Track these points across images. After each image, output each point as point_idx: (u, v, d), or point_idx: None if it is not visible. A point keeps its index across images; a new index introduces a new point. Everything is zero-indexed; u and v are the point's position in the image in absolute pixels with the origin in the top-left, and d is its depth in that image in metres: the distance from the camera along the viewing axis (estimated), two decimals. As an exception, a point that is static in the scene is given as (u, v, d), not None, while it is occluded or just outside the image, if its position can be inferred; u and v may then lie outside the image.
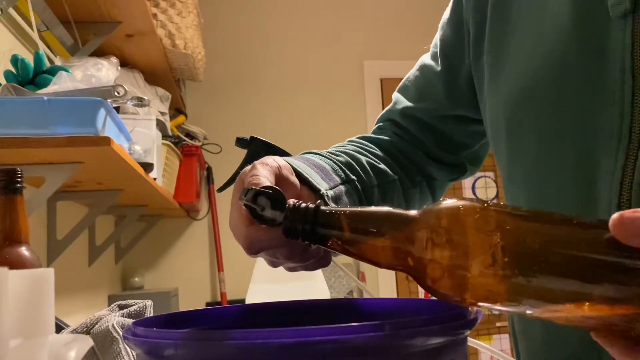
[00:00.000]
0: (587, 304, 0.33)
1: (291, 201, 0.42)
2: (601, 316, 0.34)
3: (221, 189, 0.62)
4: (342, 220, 0.40)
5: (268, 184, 0.47)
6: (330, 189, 0.58)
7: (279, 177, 0.51)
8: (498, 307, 0.35)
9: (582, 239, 0.34)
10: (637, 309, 0.32)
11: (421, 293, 2.85)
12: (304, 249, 0.49)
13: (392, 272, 2.88)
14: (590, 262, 0.33)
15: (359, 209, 0.40)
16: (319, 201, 0.42)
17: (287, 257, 0.48)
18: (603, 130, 0.52)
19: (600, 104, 0.52)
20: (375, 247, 0.39)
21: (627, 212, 0.32)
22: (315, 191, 0.55)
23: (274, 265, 0.53)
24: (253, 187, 0.44)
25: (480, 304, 0.35)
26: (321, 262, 0.51)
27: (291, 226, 0.41)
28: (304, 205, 0.42)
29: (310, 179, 0.55)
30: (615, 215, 0.32)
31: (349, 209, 0.41)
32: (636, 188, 0.49)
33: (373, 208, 0.40)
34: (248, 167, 0.50)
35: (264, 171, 0.49)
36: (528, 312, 0.35)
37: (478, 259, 0.34)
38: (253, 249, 0.47)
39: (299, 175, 0.54)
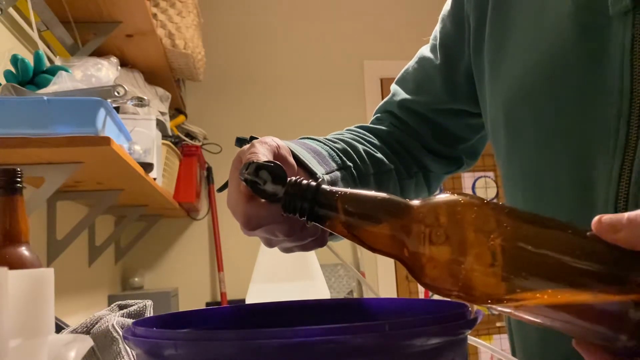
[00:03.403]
0: (573, 308, 0.33)
1: (293, 177, 0.42)
2: (584, 324, 0.34)
3: (221, 189, 0.62)
4: (342, 200, 0.40)
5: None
6: (327, 174, 0.58)
7: (277, 156, 0.51)
8: (482, 300, 0.35)
9: (575, 245, 0.34)
10: (618, 315, 0.32)
11: (421, 293, 2.85)
12: (302, 226, 0.49)
13: (392, 272, 2.88)
14: (579, 269, 0.33)
15: (360, 191, 0.40)
16: (320, 179, 0.42)
17: (285, 234, 0.48)
18: (601, 128, 0.51)
19: (599, 102, 0.52)
20: (372, 232, 0.39)
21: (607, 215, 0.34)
22: (311, 175, 0.55)
23: (270, 244, 0.52)
24: (255, 161, 0.44)
25: (468, 297, 0.35)
26: (318, 242, 0.52)
27: (291, 201, 0.41)
28: (305, 181, 0.42)
29: (307, 162, 0.55)
30: (596, 217, 0.34)
31: (350, 190, 0.40)
32: (634, 188, 0.49)
33: (374, 193, 0.40)
34: (246, 146, 0.50)
35: (263, 149, 0.49)
36: (515, 312, 0.35)
37: (471, 254, 0.34)
38: (251, 225, 0.46)
39: (296, 158, 0.54)
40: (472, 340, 0.44)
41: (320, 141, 0.65)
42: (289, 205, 0.42)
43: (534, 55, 0.58)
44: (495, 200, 0.37)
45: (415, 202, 0.38)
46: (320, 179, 0.47)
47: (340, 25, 3.05)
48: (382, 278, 2.87)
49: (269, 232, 0.49)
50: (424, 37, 0.80)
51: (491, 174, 3.10)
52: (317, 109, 2.92)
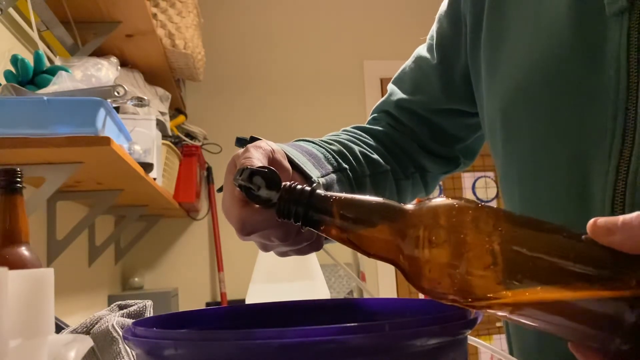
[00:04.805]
0: (569, 311, 0.33)
1: (287, 182, 0.42)
2: (579, 327, 0.34)
3: (221, 189, 0.62)
4: (337, 205, 0.39)
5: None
6: (322, 177, 0.58)
7: (272, 160, 0.50)
8: (477, 303, 0.35)
9: (570, 248, 0.34)
10: (613, 319, 0.32)
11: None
12: (298, 231, 0.48)
13: (392, 272, 2.88)
14: (574, 272, 0.33)
15: (355, 196, 0.40)
16: (315, 184, 0.42)
17: (281, 238, 0.48)
18: (597, 129, 0.51)
19: (595, 102, 0.52)
20: (367, 237, 0.39)
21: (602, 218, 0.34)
22: (307, 178, 0.55)
23: (266, 249, 0.52)
24: (249, 167, 0.44)
25: (463, 300, 0.35)
26: (313, 246, 0.51)
27: (285, 207, 0.41)
28: (299, 187, 0.41)
29: (302, 165, 0.55)
30: (591, 220, 0.34)
31: (344, 195, 0.40)
32: (630, 188, 0.49)
33: (369, 197, 0.40)
34: (241, 150, 0.50)
35: (257, 154, 0.48)
36: (510, 316, 0.35)
37: (466, 258, 0.34)
38: (246, 230, 0.46)
39: (291, 161, 0.54)
40: (472, 340, 0.44)
41: (315, 143, 0.65)
42: (283, 211, 0.42)
43: (531, 55, 0.58)
44: (494, 201, 0.37)
45: (410, 207, 0.38)
46: (314, 184, 0.46)
47: (340, 25, 3.05)
48: (382, 278, 2.87)
49: (264, 237, 0.49)
50: (424, 37, 0.80)
51: (491, 174, 3.10)
52: (317, 109, 2.92)
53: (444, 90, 0.74)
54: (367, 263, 2.84)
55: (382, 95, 0.82)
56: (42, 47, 1.31)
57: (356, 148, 0.68)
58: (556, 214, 0.56)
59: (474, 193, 3.10)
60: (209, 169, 2.76)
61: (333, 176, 0.61)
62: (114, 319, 0.62)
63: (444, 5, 0.75)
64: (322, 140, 0.67)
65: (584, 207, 0.52)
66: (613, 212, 0.50)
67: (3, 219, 0.62)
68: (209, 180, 2.77)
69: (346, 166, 0.64)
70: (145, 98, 1.16)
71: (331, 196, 0.40)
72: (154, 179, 1.58)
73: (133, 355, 0.59)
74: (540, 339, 0.59)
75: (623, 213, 0.48)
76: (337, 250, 0.59)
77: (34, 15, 1.34)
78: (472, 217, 0.35)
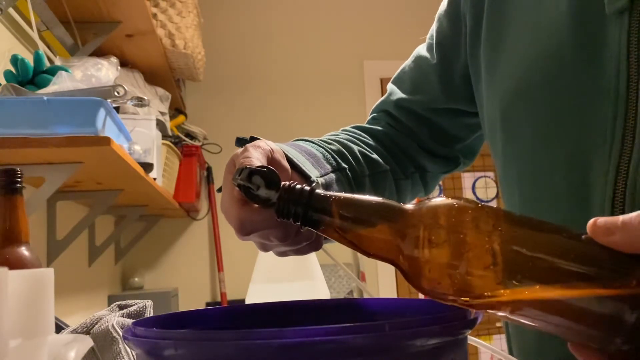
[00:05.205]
0: (569, 311, 0.33)
1: (286, 182, 0.42)
2: (579, 327, 0.34)
3: (221, 189, 0.62)
4: (336, 205, 0.39)
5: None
6: (321, 177, 0.58)
7: (271, 160, 0.50)
8: (477, 303, 0.35)
9: (570, 248, 0.34)
10: (611, 319, 0.32)
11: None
12: (297, 231, 0.48)
13: (392, 272, 2.88)
14: (574, 272, 0.33)
15: (354, 196, 0.40)
16: (314, 184, 0.42)
17: (280, 238, 0.48)
18: (597, 129, 0.51)
19: (595, 102, 0.51)
20: (367, 236, 0.39)
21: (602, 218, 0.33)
22: (306, 178, 0.55)
23: (265, 249, 0.52)
24: (248, 166, 0.44)
25: (463, 301, 0.35)
26: (312, 245, 0.51)
27: (285, 206, 0.41)
28: (299, 186, 0.41)
29: (301, 165, 0.55)
30: (590, 220, 0.34)
31: (343, 194, 0.40)
32: (630, 189, 0.49)
33: (368, 197, 0.40)
34: (240, 150, 0.50)
35: (256, 153, 0.48)
36: (510, 316, 0.35)
37: (465, 258, 0.34)
38: (245, 230, 0.46)
39: (290, 161, 0.54)
40: (472, 340, 0.44)
41: (314, 143, 0.65)
42: (282, 211, 0.41)
43: (531, 54, 0.58)
44: (494, 201, 0.37)
45: (410, 207, 0.38)
46: (314, 184, 0.46)
47: (340, 25, 3.05)
48: (382, 278, 2.87)
49: (263, 237, 0.48)
50: (424, 37, 0.80)
51: (491, 174, 3.10)
52: (317, 109, 2.92)
53: (444, 89, 0.74)
54: (367, 263, 2.84)
55: (382, 95, 0.82)
56: (42, 47, 1.31)
57: (355, 148, 0.68)
58: (556, 214, 0.55)
59: (474, 193, 3.09)
60: (209, 169, 2.76)
61: (332, 176, 0.61)
62: (114, 319, 0.62)
63: (443, 5, 0.75)
64: (321, 140, 0.67)
65: (584, 207, 0.52)
66: (613, 212, 0.49)
67: (3, 219, 0.62)
68: (209, 180, 2.77)
69: (345, 166, 0.64)
70: (145, 98, 1.16)
71: (330, 196, 0.40)
72: (154, 179, 1.58)
73: (133, 355, 0.59)
74: (540, 339, 0.59)
75: (623, 213, 0.48)
76: (337, 250, 0.59)
77: (34, 15, 1.34)
78: (471, 217, 0.35)
